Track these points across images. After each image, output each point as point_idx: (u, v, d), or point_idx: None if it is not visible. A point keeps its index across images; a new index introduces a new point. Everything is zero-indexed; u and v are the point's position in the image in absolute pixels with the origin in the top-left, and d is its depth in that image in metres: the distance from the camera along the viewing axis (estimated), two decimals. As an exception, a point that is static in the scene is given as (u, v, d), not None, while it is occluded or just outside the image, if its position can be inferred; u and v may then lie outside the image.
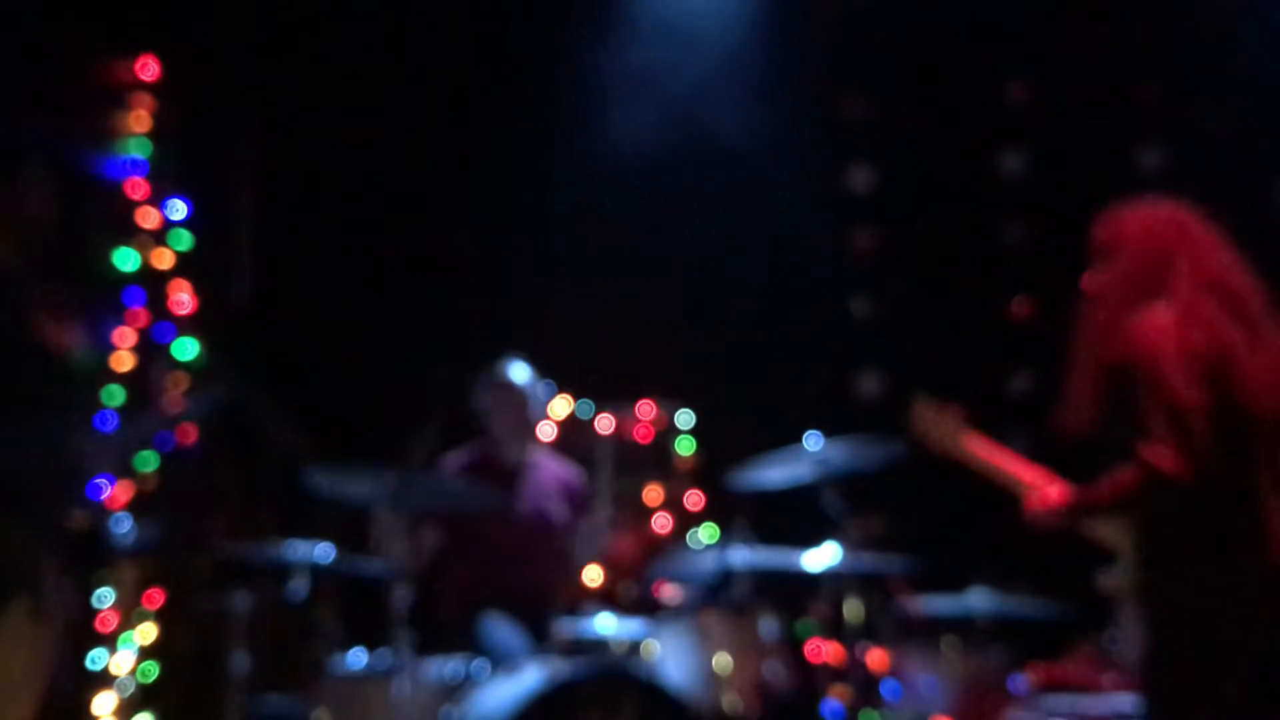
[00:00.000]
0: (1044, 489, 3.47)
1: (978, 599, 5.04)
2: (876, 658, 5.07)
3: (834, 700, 5.04)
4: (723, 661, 4.78)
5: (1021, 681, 4.92)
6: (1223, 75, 6.17)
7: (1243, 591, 3.17)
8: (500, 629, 4.90)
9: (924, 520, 5.87)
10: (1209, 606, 3.17)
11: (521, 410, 5.19)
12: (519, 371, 5.19)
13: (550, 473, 5.28)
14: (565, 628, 4.76)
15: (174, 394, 5.65)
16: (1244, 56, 6.12)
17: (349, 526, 4.85)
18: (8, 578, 1.45)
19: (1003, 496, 5.96)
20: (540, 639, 4.80)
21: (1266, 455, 3.24)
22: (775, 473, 5.07)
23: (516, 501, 5.15)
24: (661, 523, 6.00)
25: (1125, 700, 4.76)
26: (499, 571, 5.03)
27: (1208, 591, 3.18)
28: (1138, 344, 3.23)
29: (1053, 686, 4.93)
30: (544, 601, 5.00)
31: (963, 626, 5.09)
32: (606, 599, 5.13)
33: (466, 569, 5.08)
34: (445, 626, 4.99)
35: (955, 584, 5.13)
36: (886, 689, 5.06)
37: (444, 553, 5.09)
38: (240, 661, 4.83)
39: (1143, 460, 3.13)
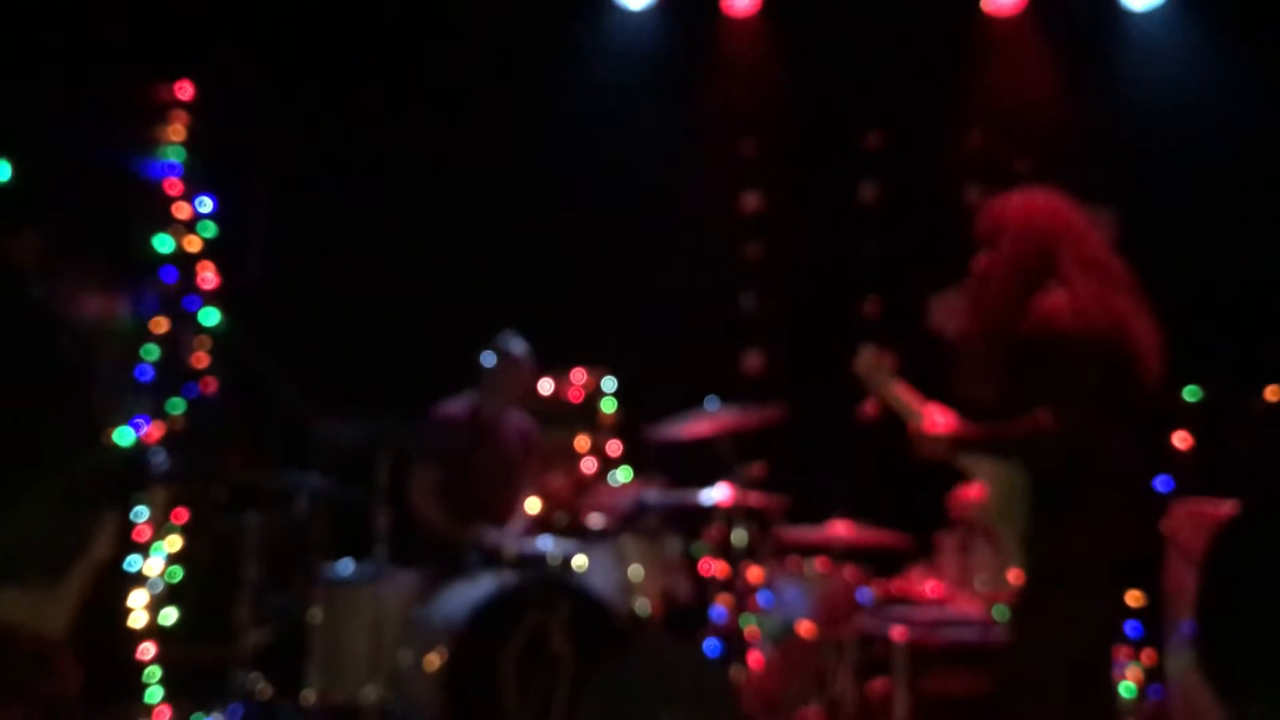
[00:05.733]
0: (934, 417, 3.17)
1: (835, 528, 5.06)
2: (754, 573, 5.08)
3: (720, 606, 5.05)
4: (636, 574, 4.78)
5: (868, 594, 4.96)
6: (1033, 128, 6.26)
7: (1107, 538, 3.00)
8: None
9: (794, 466, 5.90)
10: (1082, 546, 2.99)
11: (517, 377, 5.11)
12: (519, 345, 5.12)
13: (516, 424, 5.22)
14: (513, 546, 4.73)
15: (199, 352, 5.55)
16: (1051, 115, 6.22)
17: (342, 461, 4.78)
18: (104, 493, 1.41)
19: (857, 450, 6.10)
20: (495, 556, 4.75)
21: (1147, 412, 3.05)
22: (680, 427, 5.07)
23: (491, 446, 5.08)
24: (589, 466, 5.97)
25: (945, 609, 4.83)
26: (473, 500, 4.97)
27: (1081, 534, 2.99)
28: (1047, 324, 2.96)
29: (891, 598, 4.98)
30: (503, 524, 4.96)
31: (823, 550, 5.11)
32: (545, 524, 5.10)
33: (449, 497, 5.01)
34: (418, 543, 4.93)
35: (818, 516, 5.14)
36: (762, 598, 5.06)
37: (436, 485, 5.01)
38: (250, 568, 4.76)
39: (1033, 416, 2.91)
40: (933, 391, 3.29)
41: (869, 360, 3.43)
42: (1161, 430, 5.21)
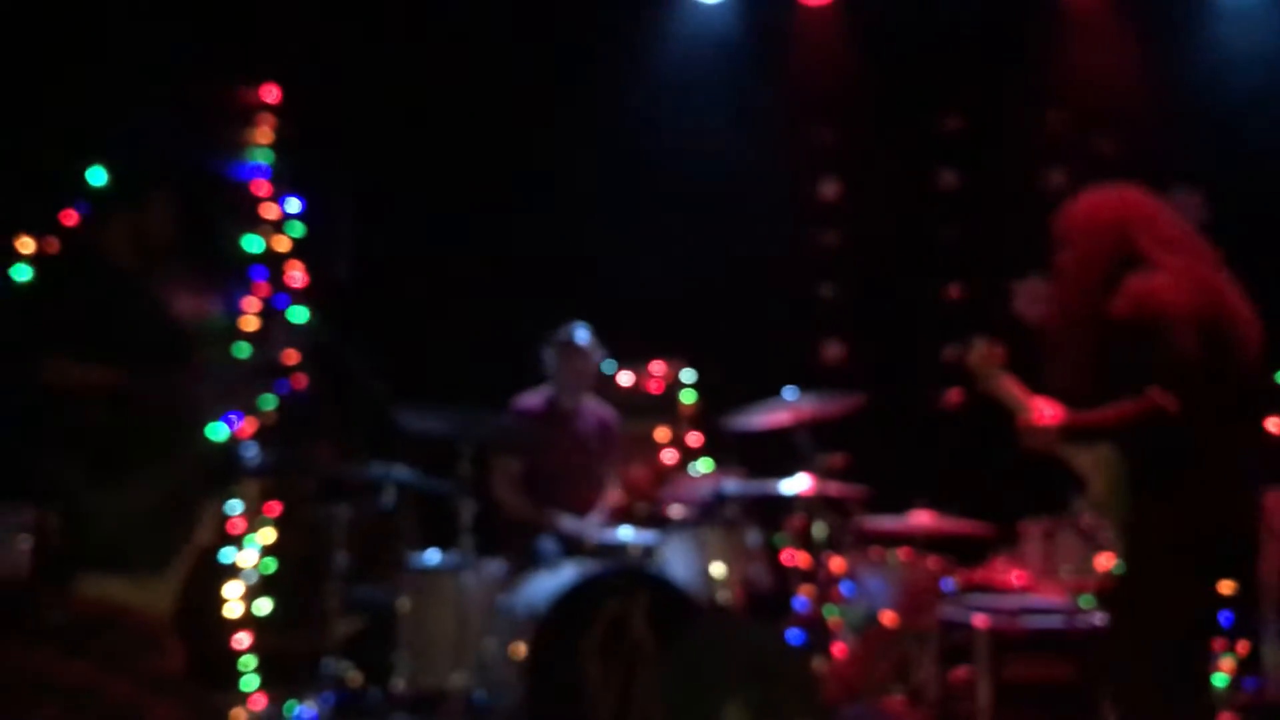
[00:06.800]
0: (1042, 409, 3.16)
1: (917, 518, 5.04)
2: (837, 564, 5.07)
3: (803, 597, 5.06)
4: (716, 565, 4.80)
5: (951, 583, 4.93)
6: (1116, 111, 6.16)
7: (1205, 524, 2.98)
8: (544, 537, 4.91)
9: (875, 456, 5.87)
10: (1181, 532, 2.98)
11: (582, 366, 5.15)
12: (582, 334, 5.17)
13: (594, 414, 5.27)
14: (594, 536, 4.78)
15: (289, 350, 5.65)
16: (1134, 97, 6.11)
17: (427, 452, 4.86)
18: (206, 483, 1.46)
19: (939, 438, 6.06)
20: (576, 545, 4.80)
21: (1246, 394, 3.03)
22: (759, 418, 5.08)
23: (568, 437, 5.14)
24: (669, 457, 6.00)
25: (1029, 597, 4.79)
26: (552, 490, 5.03)
27: (1180, 519, 2.98)
28: (1145, 304, 2.95)
29: (974, 587, 4.95)
30: (583, 514, 5.01)
31: (905, 540, 5.09)
32: (626, 515, 5.15)
33: (529, 487, 5.08)
34: (501, 533, 5.00)
35: (899, 506, 5.12)
36: (844, 588, 5.06)
37: (516, 476, 5.08)
38: (340, 559, 4.83)
39: (1147, 397, 2.89)
40: (1019, 377, 3.30)
41: (980, 353, 3.41)
42: (1259, 415, 5.09)
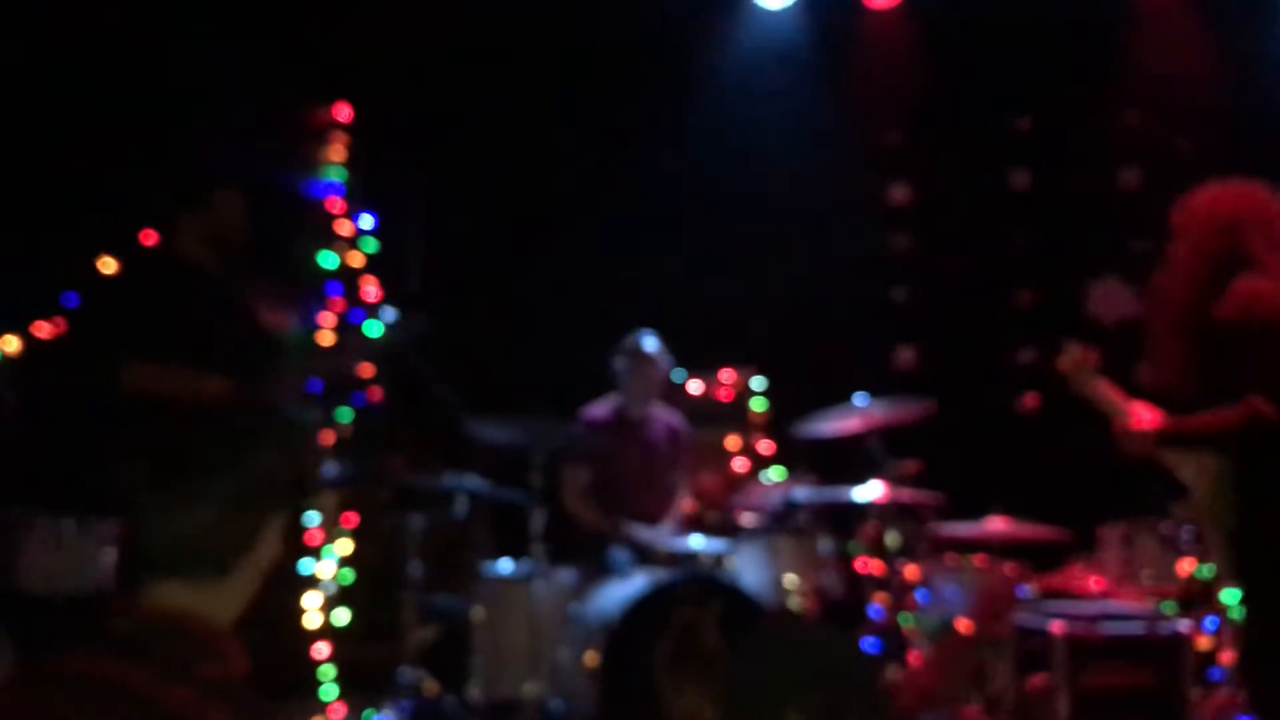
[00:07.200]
0: (1140, 413, 3.10)
1: (992, 524, 4.97)
2: (911, 571, 5.02)
3: (877, 605, 5.02)
4: (788, 573, 4.77)
5: (1027, 589, 4.86)
6: (1192, 109, 6.03)
7: None
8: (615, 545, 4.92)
9: (948, 462, 5.80)
10: None
11: (650, 374, 5.16)
12: (650, 342, 5.18)
13: (663, 422, 5.28)
14: (666, 544, 4.78)
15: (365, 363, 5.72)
16: (1210, 93, 5.98)
17: (499, 463, 4.90)
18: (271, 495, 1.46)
19: (1014, 442, 5.97)
20: (647, 554, 4.81)
21: None
22: (830, 425, 5.05)
23: (637, 445, 5.15)
24: (740, 465, 5.99)
25: (1107, 603, 4.70)
26: (622, 499, 5.05)
27: None
28: (1250, 308, 2.89)
29: (1051, 593, 4.87)
30: (654, 522, 5.02)
31: (980, 546, 5.02)
32: (697, 523, 5.14)
33: (599, 496, 5.11)
34: (572, 542, 5.02)
35: (974, 512, 5.05)
36: (919, 596, 5.00)
37: (585, 485, 5.11)
38: (415, 568, 4.89)
39: (1248, 403, 2.84)
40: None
41: (1073, 357, 3.35)
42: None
